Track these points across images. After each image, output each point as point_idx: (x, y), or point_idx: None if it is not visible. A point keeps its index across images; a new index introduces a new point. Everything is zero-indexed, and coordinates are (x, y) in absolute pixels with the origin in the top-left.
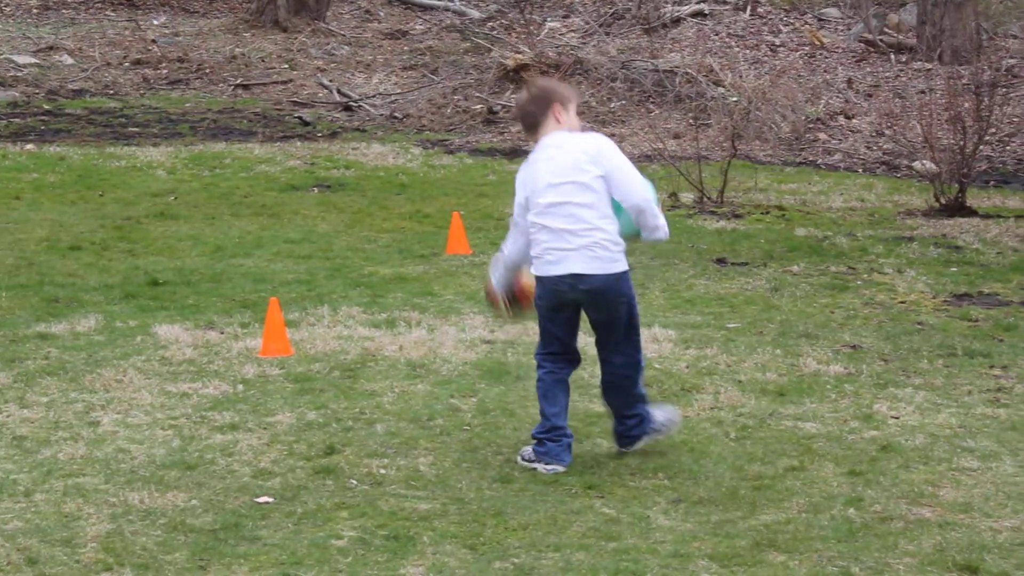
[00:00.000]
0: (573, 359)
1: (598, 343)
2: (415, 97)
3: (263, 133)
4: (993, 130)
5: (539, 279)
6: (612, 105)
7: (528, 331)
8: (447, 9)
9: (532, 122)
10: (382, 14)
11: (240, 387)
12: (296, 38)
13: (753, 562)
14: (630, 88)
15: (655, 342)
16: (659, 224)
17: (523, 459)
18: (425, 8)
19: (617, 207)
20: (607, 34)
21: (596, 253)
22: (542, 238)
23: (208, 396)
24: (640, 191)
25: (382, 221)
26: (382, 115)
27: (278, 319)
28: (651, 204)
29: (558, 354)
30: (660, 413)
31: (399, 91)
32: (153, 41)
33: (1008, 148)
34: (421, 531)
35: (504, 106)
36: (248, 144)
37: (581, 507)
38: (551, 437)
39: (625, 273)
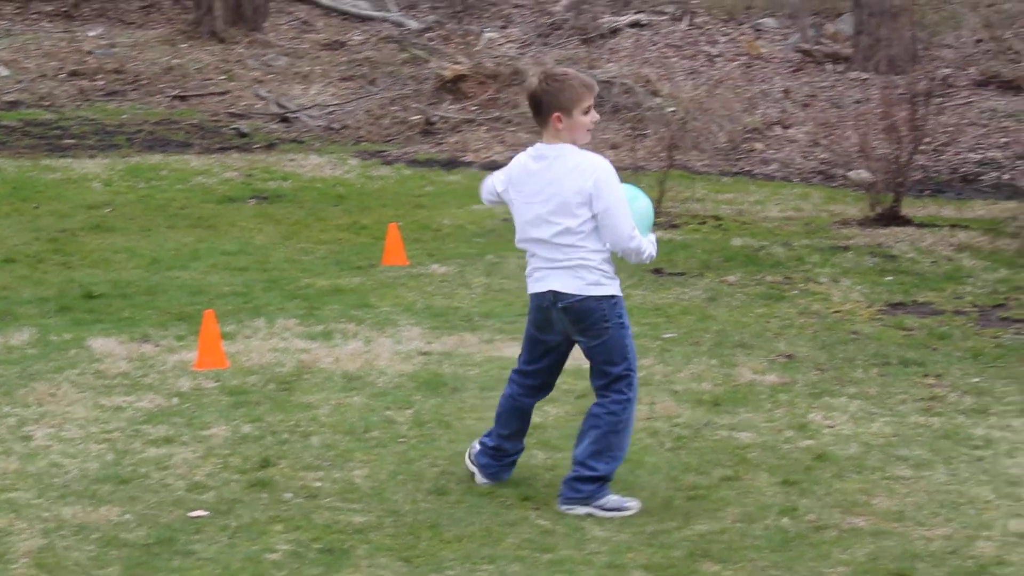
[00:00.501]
0: (544, 387)
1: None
2: (353, 108)
3: (200, 145)
4: (928, 139)
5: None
6: None
7: (463, 343)
8: (385, 20)
9: (536, 118)
10: (320, 25)
11: (175, 400)
12: (233, 49)
13: (687, 572)
14: None
15: None
16: (642, 259)
17: (469, 458)
18: (363, 19)
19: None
20: (545, 44)
21: (579, 274)
22: (530, 259)
23: (142, 409)
24: (626, 239)
25: (319, 233)
26: (319, 126)
27: (213, 331)
28: (635, 248)
29: (528, 374)
30: (616, 498)
31: (337, 102)
32: (89, 52)
33: (943, 157)
34: (356, 544)
35: (442, 117)
36: (185, 156)
37: (516, 519)
38: (493, 456)
39: (611, 298)
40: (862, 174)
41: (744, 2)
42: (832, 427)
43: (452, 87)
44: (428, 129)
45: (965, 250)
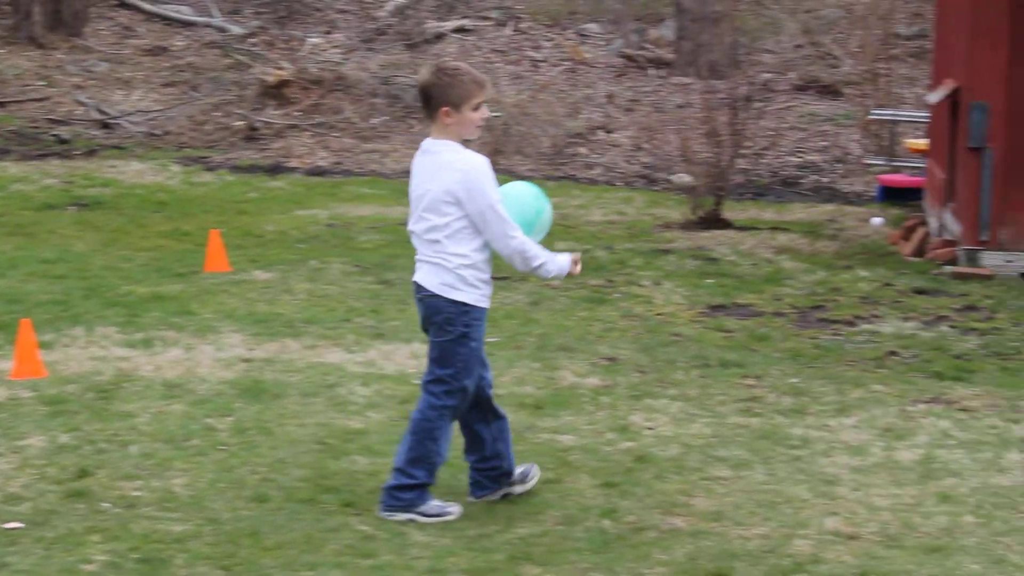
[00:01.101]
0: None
1: None
2: (175, 114)
3: (19, 151)
4: (749, 143)
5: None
6: (374, 121)
7: (286, 349)
8: (208, 25)
9: (424, 110)
10: (142, 30)
11: None
12: (52, 54)
13: (509, 575)
14: (392, 104)
15: (415, 358)
16: (534, 268)
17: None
18: (185, 24)
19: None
20: (369, 50)
21: (437, 272)
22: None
23: None
24: (505, 238)
25: (140, 239)
26: (141, 132)
27: (30, 340)
28: (518, 249)
29: None
30: (437, 503)
31: (159, 108)
32: None
33: (763, 161)
34: (174, 553)
35: (266, 122)
36: (3, 163)
37: (338, 525)
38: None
39: (462, 304)
40: (684, 178)
41: (568, 7)
42: (653, 429)
43: (276, 92)
44: (251, 135)
45: (784, 252)
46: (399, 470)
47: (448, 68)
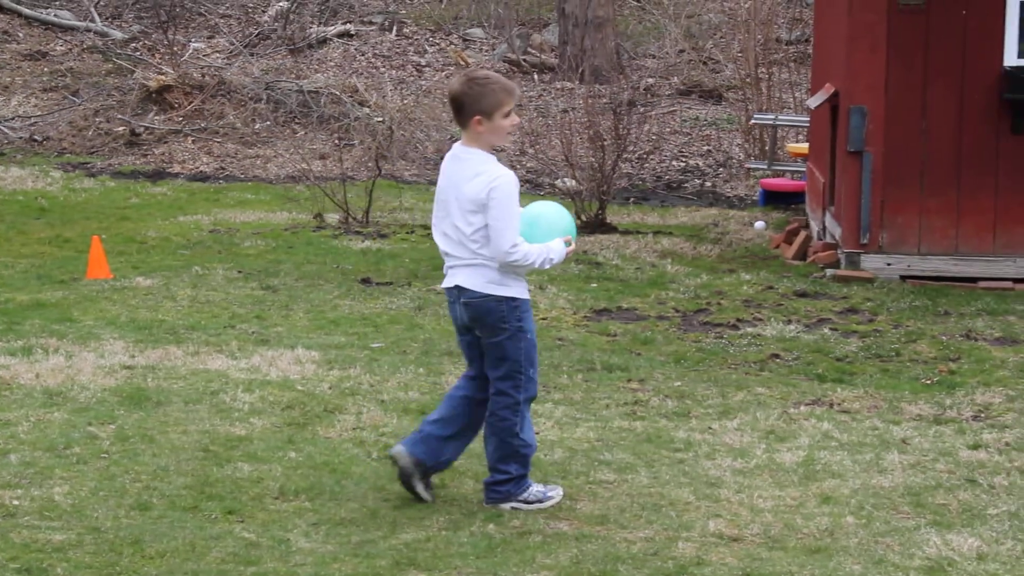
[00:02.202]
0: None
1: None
2: (56, 119)
3: None
4: (632, 148)
5: None
6: (257, 126)
7: (168, 356)
8: (88, 30)
9: (457, 119)
10: (21, 35)
11: None
12: None
13: None
14: (275, 109)
15: (298, 363)
16: (537, 268)
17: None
18: (66, 29)
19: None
20: (252, 55)
21: (480, 272)
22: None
23: None
24: (503, 254)
25: (20, 246)
26: (21, 138)
27: None
28: (515, 261)
29: (473, 378)
30: (538, 489)
31: (39, 113)
32: None
33: (647, 165)
34: (55, 563)
35: (147, 128)
36: None
37: (221, 532)
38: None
39: (511, 300)
40: (568, 182)
41: (452, 12)
42: (538, 433)
43: (158, 98)
44: (133, 140)
45: (668, 256)
46: (493, 468)
47: (479, 77)
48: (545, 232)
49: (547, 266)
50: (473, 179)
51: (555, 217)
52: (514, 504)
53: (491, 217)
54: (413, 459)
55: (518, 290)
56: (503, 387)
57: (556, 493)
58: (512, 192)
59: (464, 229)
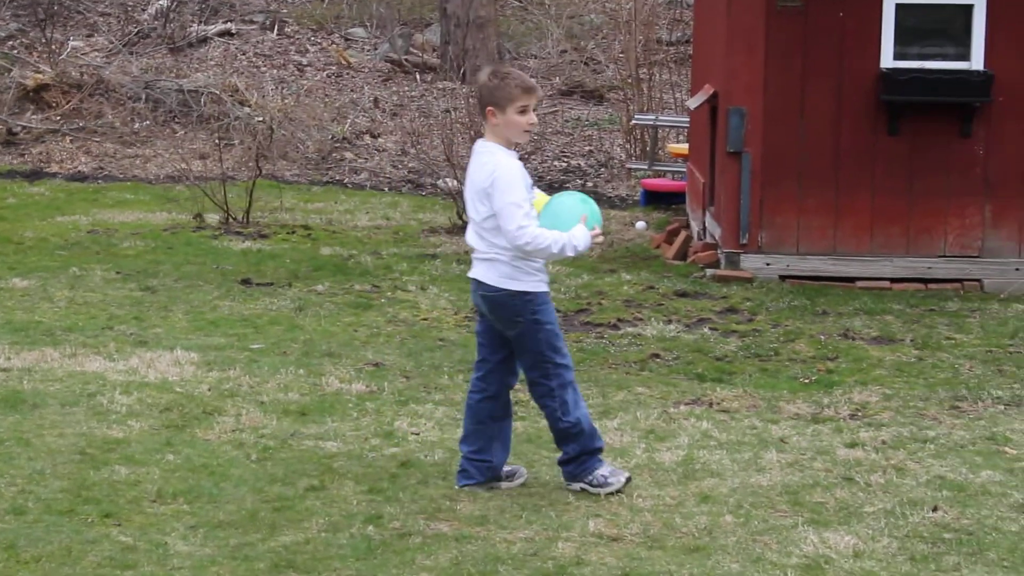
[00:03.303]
0: (494, 376)
1: None
2: None
3: None
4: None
5: None
6: (136, 126)
7: (45, 358)
8: None
9: (479, 111)
10: None
11: None
12: None
13: None
14: (155, 108)
15: (177, 365)
16: (556, 254)
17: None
18: None
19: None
20: (131, 54)
21: (494, 266)
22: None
23: None
24: (512, 237)
25: None
26: None
27: None
28: (524, 244)
29: (480, 363)
30: (606, 470)
31: None
32: None
33: (529, 165)
34: None
35: (24, 127)
36: None
37: (97, 536)
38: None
39: (524, 294)
40: (449, 183)
41: (333, 12)
42: (418, 434)
43: (35, 96)
44: (10, 139)
45: None
46: (558, 448)
47: (500, 71)
48: (566, 220)
49: (571, 253)
50: (480, 168)
51: (574, 204)
52: (582, 485)
53: (495, 202)
54: (485, 481)
55: (532, 284)
56: (533, 376)
57: (618, 480)
58: (512, 177)
59: (475, 219)
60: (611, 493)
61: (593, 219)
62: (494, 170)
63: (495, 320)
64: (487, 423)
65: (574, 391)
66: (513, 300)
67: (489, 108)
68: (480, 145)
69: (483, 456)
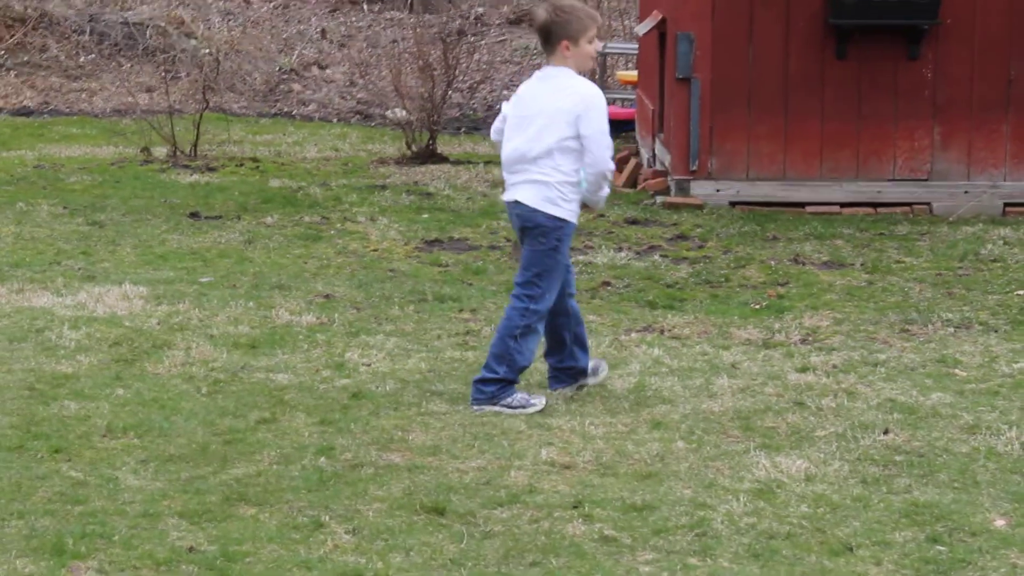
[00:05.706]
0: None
1: None
2: None
3: None
4: (462, 77)
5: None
6: (81, 59)
7: None
8: None
9: (545, 47)
10: None
11: None
12: None
13: (223, 517)
14: (99, 41)
15: (126, 299)
16: (604, 194)
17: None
18: None
19: None
20: None
21: (539, 189)
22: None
23: None
24: (604, 162)
25: None
26: None
27: None
28: (609, 172)
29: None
30: (522, 396)
31: None
32: None
33: (478, 95)
34: None
35: None
36: None
37: (47, 472)
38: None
39: (559, 219)
40: (399, 113)
41: None
42: (369, 365)
43: None
44: None
45: (499, 186)
46: (486, 365)
47: (564, 6)
48: None
49: (607, 191)
50: (563, 92)
51: None
52: (497, 407)
53: (586, 127)
54: (575, 384)
55: (568, 213)
56: (520, 292)
57: (539, 401)
58: (604, 105)
59: (552, 140)
60: (530, 415)
61: None
62: (586, 96)
63: (522, 236)
64: (564, 336)
65: (542, 327)
66: (547, 222)
67: (564, 42)
68: (553, 70)
69: (568, 363)
